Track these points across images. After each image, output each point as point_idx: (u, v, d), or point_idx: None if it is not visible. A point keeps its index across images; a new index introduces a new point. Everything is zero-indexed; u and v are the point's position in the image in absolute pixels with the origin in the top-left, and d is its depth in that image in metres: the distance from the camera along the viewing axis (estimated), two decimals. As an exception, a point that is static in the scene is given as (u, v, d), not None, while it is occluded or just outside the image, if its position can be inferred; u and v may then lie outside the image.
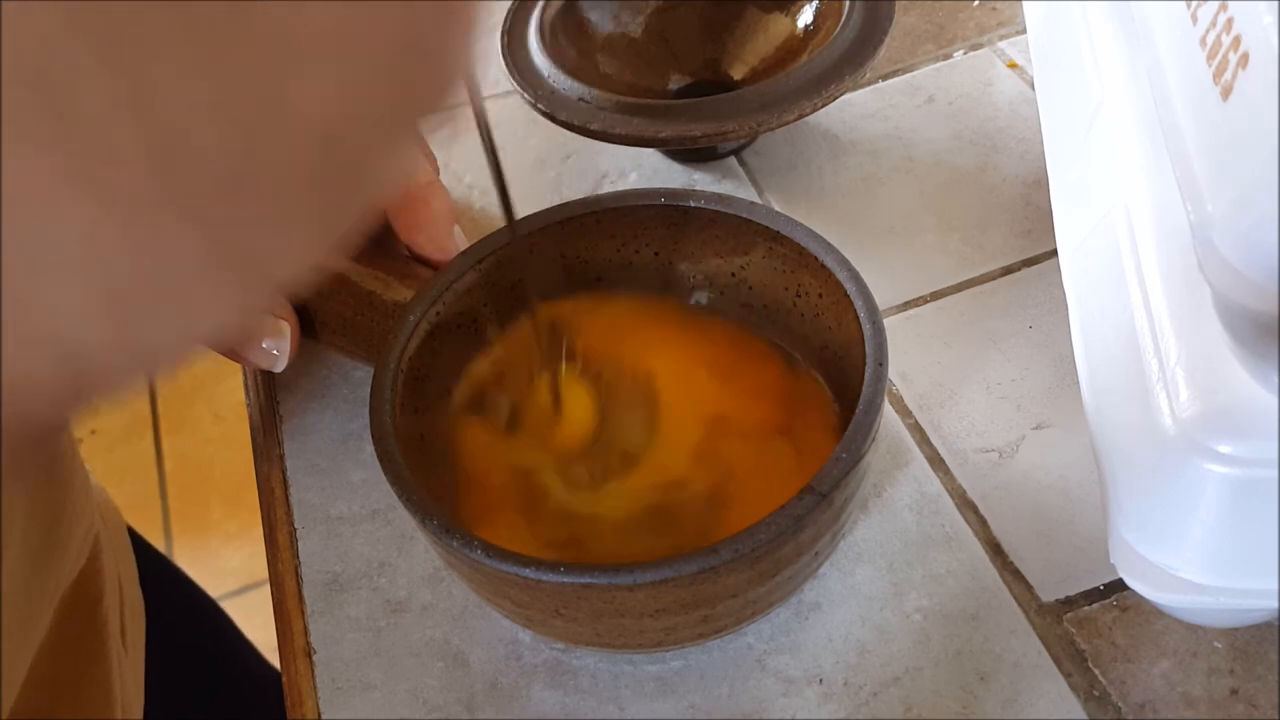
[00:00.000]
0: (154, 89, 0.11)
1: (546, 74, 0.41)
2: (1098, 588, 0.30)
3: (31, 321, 0.12)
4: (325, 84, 0.13)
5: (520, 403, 0.32)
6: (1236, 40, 0.20)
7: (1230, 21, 0.21)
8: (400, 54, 0.14)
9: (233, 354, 0.35)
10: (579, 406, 0.32)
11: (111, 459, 1.51)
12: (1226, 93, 0.20)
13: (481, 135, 0.25)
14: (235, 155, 0.12)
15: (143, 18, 0.11)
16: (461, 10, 0.14)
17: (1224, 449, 0.24)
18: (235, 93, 0.12)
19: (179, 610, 0.53)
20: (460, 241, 0.36)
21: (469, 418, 0.32)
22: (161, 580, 0.51)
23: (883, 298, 0.34)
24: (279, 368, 0.35)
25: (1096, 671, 0.29)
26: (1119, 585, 0.29)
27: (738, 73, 0.45)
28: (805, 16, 0.44)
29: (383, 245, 0.37)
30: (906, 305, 0.38)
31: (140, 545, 0.50)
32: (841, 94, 0.39)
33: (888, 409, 0.35)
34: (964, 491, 0.33)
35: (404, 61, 0.14)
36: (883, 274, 0.38)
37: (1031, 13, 0.40)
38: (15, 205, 0.11)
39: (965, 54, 0.47)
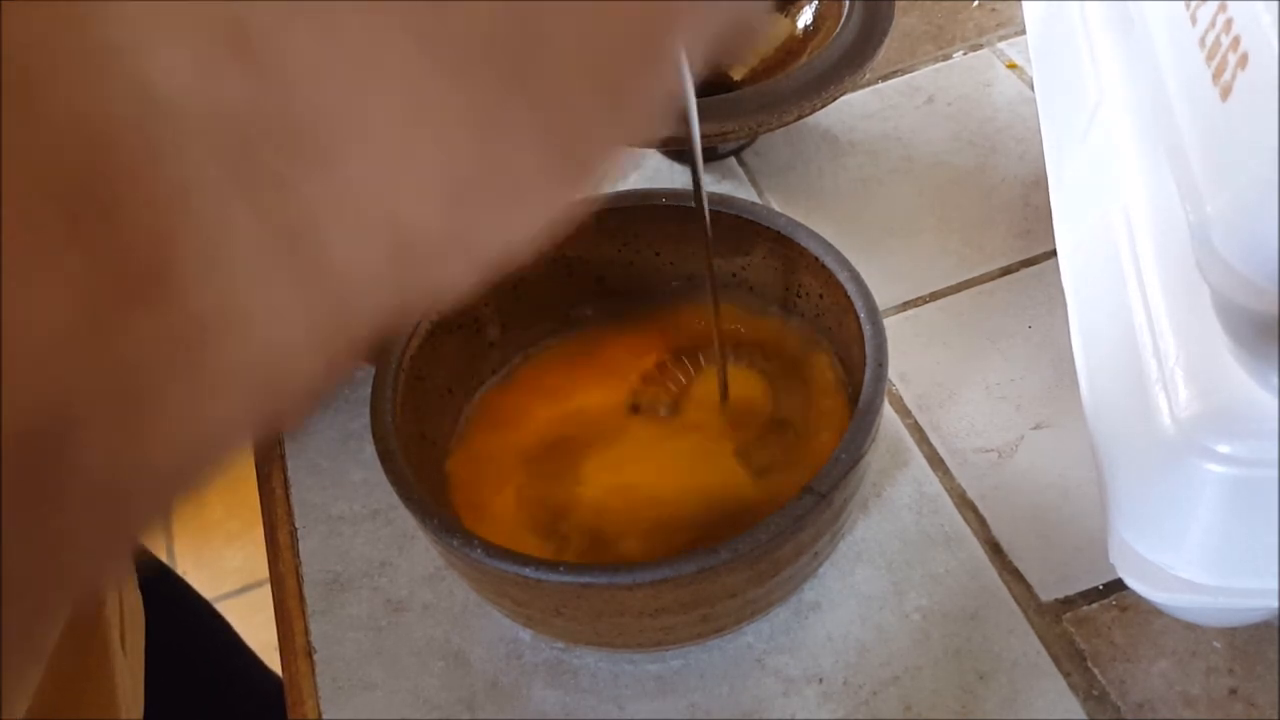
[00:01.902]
0: None
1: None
2: (1097, 587, 0.30)
3: (370, 204, 0.11)
4: None
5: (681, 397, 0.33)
6: (1235, 40, 0.20)
7: (1229, 22, 0.21)
8: None
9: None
10: (751, 388, 0.33)
11: (112, 459, 1.51)
12: (1225, 93, 0.20)
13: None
14: (573, 37, 0.12)
15: None
16: None
17: (1223, 449, 0.24)
18: None
19: (177, 614, 0.53)
20: None
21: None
22: (159, 585, 0.51)
23: (882, 298, 0.34)
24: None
25: (1096, 671, 0.29)
26: (1118, 585, 0.29)
27: (738, 73, 0.45)
28: (805, 17, 0.44)
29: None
30: (906, 305, 0.38)
31: (136, 549, 0.50)
32: (841, 94, 0.39)
33: (887, 409, 0.35)
34: (963, 491, 0.33)
35: None
36: (883, 274, 0.38)
37: (1031, 13, 0.40)
38: (369, 74, 0.10)
39: (964, 55, 0.47)
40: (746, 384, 0.33)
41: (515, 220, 0.13)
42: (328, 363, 0.12)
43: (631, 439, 0.32)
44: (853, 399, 0.28)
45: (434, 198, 0.12)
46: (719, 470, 0.31)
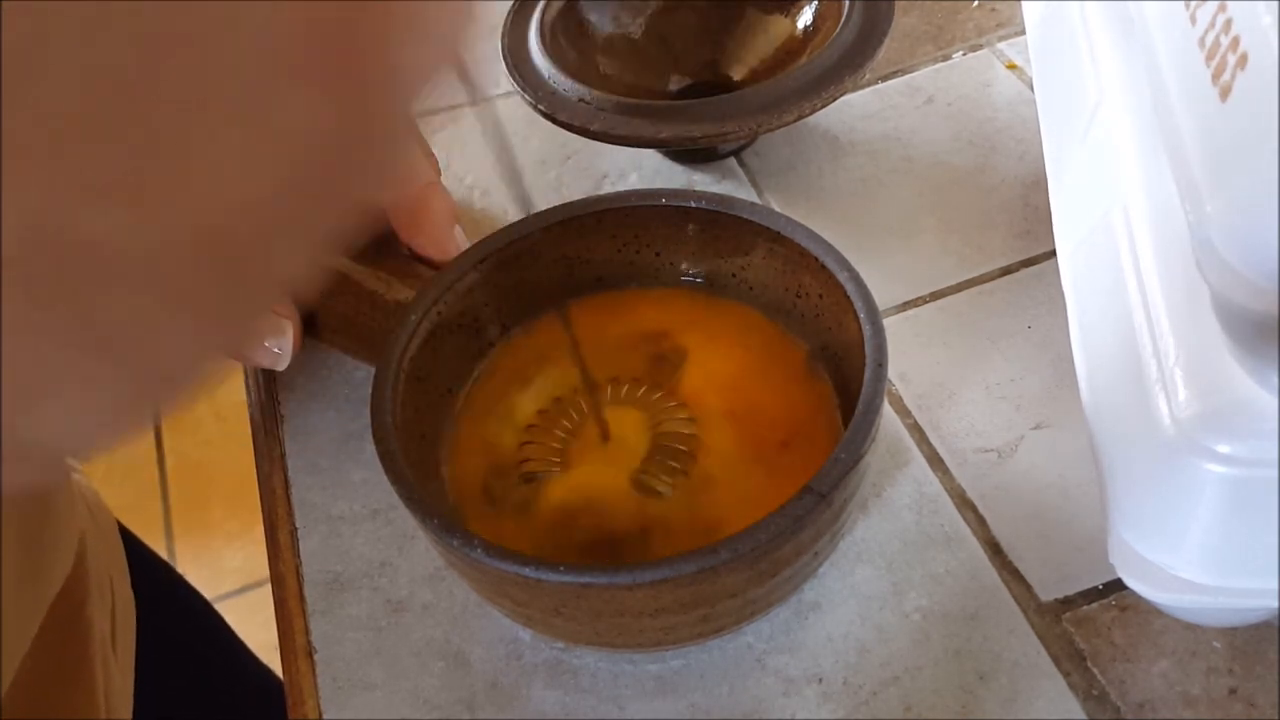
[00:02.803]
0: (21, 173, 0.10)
1: (547, 75, 0.41)
2: (1097, 587, 0.30)
3: None
4: (227, 180, 0.12)
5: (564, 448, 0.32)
6: (1235, 41, 0.20)
7: (1229, 22, 0.21)
8: (311, 160, 0.13)
9: (235, 353, 0.35)
10: (631, 427, 0.32)
11: (112, 458, 1.51)
12: (1225, 93, 0.20)
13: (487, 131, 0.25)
14: (117, 243, 0.11)
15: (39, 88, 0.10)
16: (377, 138, 0.13)
17: (1223, 449, 0.24)
18: (131, 178, 0.11)
19: (171, 609, 0.53)
20: (461, 242, 0.36)
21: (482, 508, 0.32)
22: (154, 579, 0.51)
23: (882, 298, 0.34)
24: (281, 366, 0.35)
25: (1095, 671, 0.29)
26: (1118, 585, 0.29)
27: (737, 74, 0.45)
28: (805, 17, 0.44)
29: (384, 245, 0.37)
30: (906, 305, 0.38)
31: (131, 544, 0.50)
32: (841, 95, 0.40)
33: (887, 409, 0.35)
34: (963, 491, 0.33)
35: (316, 168, 0.13)
36: (882, 274, 0.38)
37: (1030, 14, 0.40)
38: None
39: (964, 55, 0.47)
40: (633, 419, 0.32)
41: (71, 420, 0.13)
42: None
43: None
44: (851, 401, 0.28)
45: None
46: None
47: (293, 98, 0.12)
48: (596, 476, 0.31)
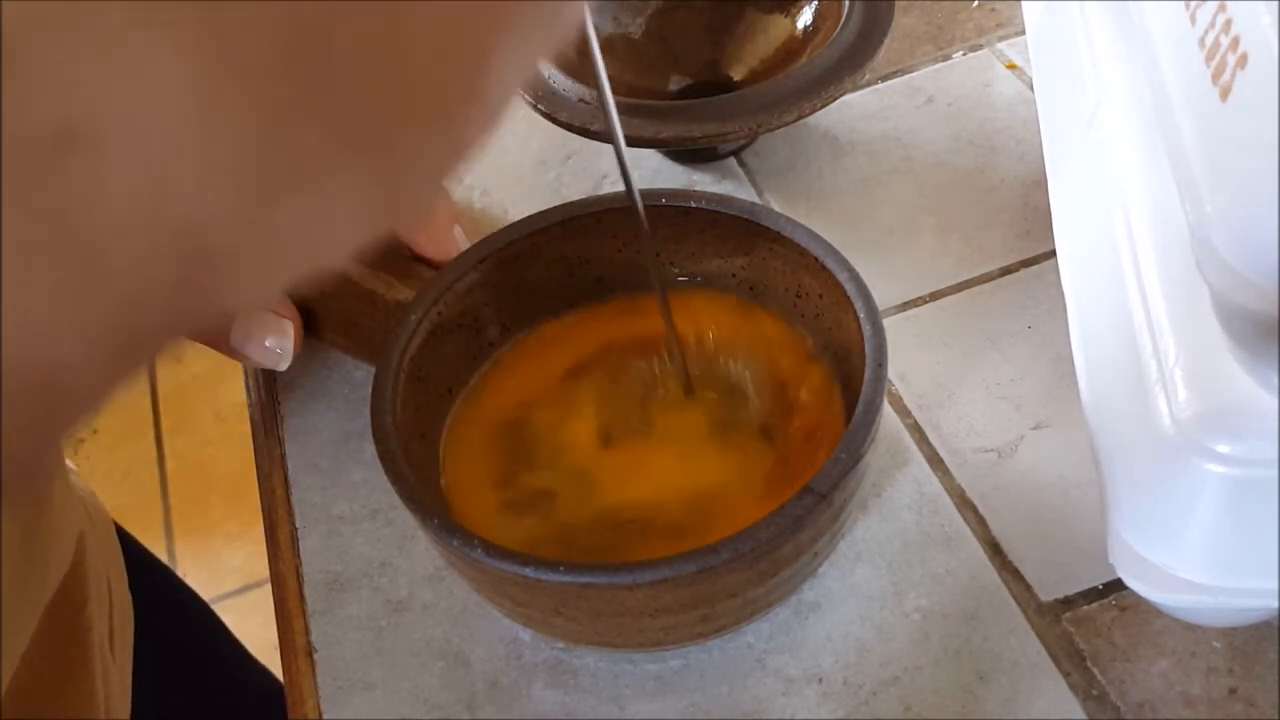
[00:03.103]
0: None
1: (547, 74, 0.41)
2: (1096, 587, 0.30)
3: (144, 196, 0.11)
4: None
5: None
6: (1235, 41, 0.20)
7: (1229, 22, 0.21)
8: None
9: (236, 353, 0.35)
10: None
11: (113, 459, 1.51)
12: (1225, 93, 0.20)
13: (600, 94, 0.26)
14: (375, 43, 0.11)
15: None
16: None
17: (1223, 449, 0.24)
18: None
19: (169, 610, 0.53)
20: (461, 241, 0.36)
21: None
22: (152, 580, 0.51)
23: (882, 298, 0.34)
24: (283, 366, 0.35)
25: (1095, 671, 0.29)
26: (1118, 585, 0.29)
27: (738, 74, 0.45)
28: (805, 17, 0.44)
29: (383, 245, 0.37)
30: (906, 305, 0.38)
31: (129, 545, 0.50)
32: (841, 95, 0.40)
33: (887, 409, 0.35)
34: (963, 491, 0.33)
35: None
36: (882, 274, 0.38)
37: (1030, 14, 0.40)
38: (133, 70, 0.10)
39: (964, 55, 0.47)
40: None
41: (311, 221, 0.13)
42: (112, 365, 0.12)
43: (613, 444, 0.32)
44: (851, 401, 0.28)
45: (218, 190, 0.11)
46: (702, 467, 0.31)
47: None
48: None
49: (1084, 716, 0.28)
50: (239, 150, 0.11)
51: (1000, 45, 0.47)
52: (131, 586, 0.47)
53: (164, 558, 1.36)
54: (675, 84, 0.45)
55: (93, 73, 0.10)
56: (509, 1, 0.13)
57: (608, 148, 0.43)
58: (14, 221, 0.10)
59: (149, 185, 0.11)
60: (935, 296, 0.38)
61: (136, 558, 0.50)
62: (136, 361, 0.12)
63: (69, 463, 0.44)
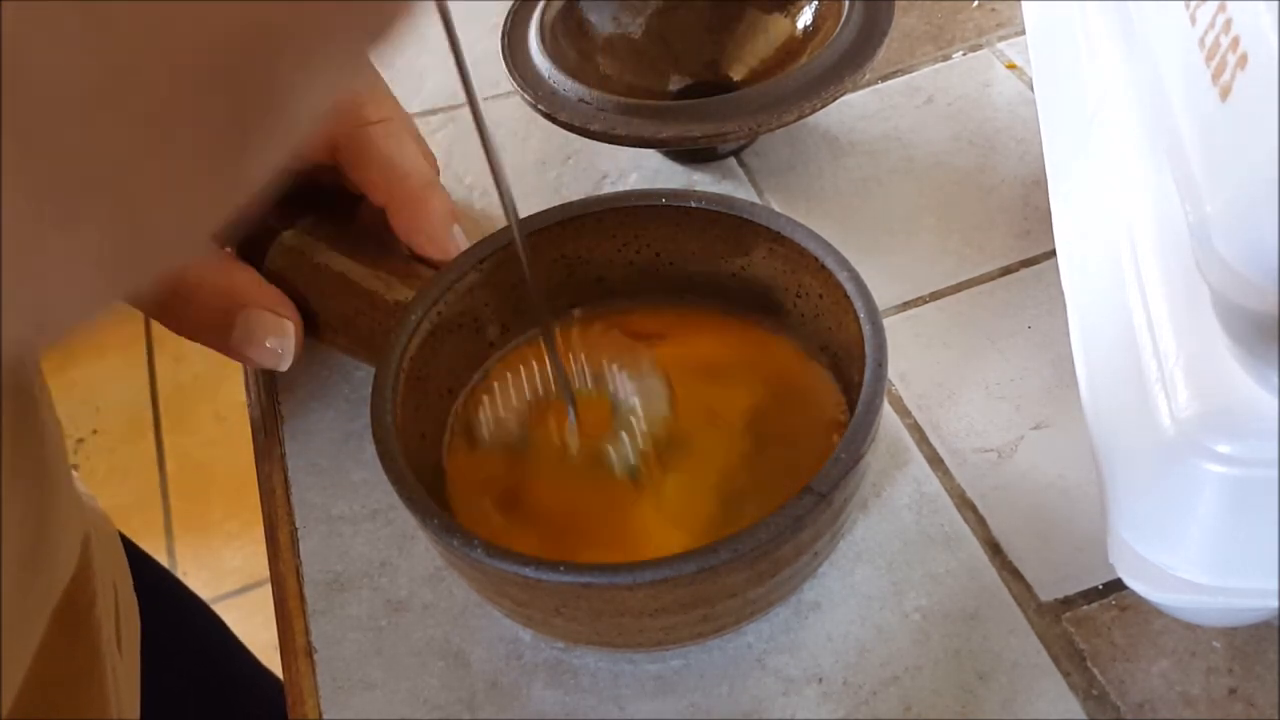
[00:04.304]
0: None
1: (547, 75, 0.41)
2: (1096, 587, 0.30)
3: None
4: None
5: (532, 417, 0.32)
6: (1235, 41, 0.20)
7: (1229, 22, 0.21)
8: None
9: (236, 353, 0.35)
10: (595, 405, 0.32)
11: (113, 459, 1.51)
12: (1225, 93, 0.20)
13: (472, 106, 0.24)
14: (92, 72, 0.09)
15: None
16: None
17: (1223, 449, 0.24)
18: None
19: (174, 616, 0.53)
20: (460, 241, 0.36)
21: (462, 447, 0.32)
22: (156, 586, 0.51)
23: (882, 298, 0.34)
24: (284, 366, 0.35)
25: (1095, 671, 0.29)
26: (1118, 585, 0.29)
27: (737, 73, 0.45)
28: (805, 17, 0.44)
29: (383, 245, 0.37)
30: (906, 305, 0.38)
31: (132, 550, 0.50)
32: (841, 95, 0.40)
33: (887, 409, 0.35)
34: (963, 491, 0.33)
35: None
36: (882, 274, 0.38)
37: (1030, 14, 0.40)
38: None
39: (964, 55, 0.47)
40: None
41: (34, 298, 0.11)
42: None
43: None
44: (851, 402, 0.28)
45: None
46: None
47: None
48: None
49: (1084, 716, 0.28)
50: None
51: (1000, 45, 0.47)
52: (135, 591, 0.47)
53: (164, 558, 1.37)
54: (675, 84, 0.45)
55: None
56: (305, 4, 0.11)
57: (608, 148, 0.43)
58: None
59: None
60: (935, 296, 0.38)
61: (139, 562, 0.50)
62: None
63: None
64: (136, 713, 0.44)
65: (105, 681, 0.41)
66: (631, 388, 0.32)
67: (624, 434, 0.31)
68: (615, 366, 0.33)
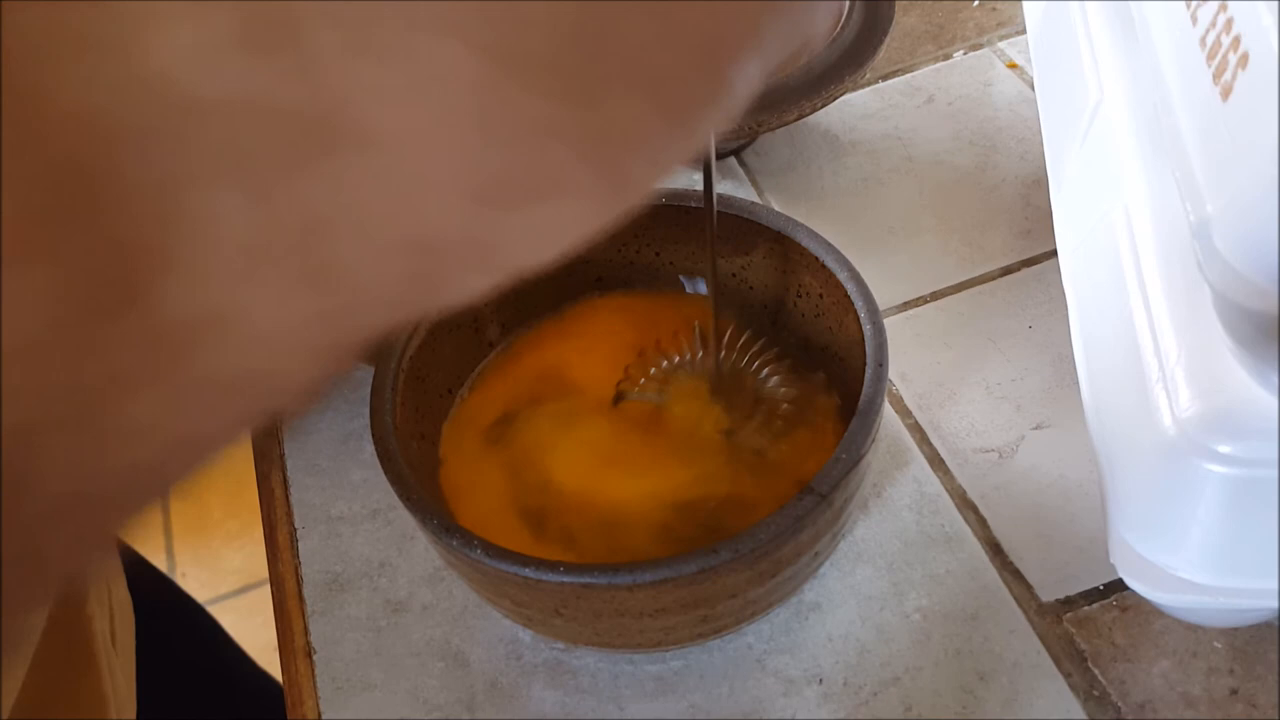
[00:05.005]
0: None
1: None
2: (1097, 588, 0.30)
3: (388, 205, 0.10)
4: None
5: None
6: (1236, 40, 0.20)
7: (1230, 22, 0.21)
8: None
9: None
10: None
11: (112, 459, 1.51)
12: (1226, 93, 0.20)
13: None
14: (636, 46, 0.11)
15: None
16: None
17: (1224, 449, 0.24)
18: None
19: (169, 616, 0.53)
20: None
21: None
22: (151, 587, 0.51)
23: (883, 298, 0.34)
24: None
25: (1096, 671, 0.29)
26: (1119, 585, 0.29)
27: (738, 73, 0.45)
28: (805, 17, 0.44)
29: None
30: (906, 305, 0.38)
31: (128, 553, 0.50)
32: (841, 94, 0.39)
33: (888, 409, 0.35)
34: (964, 491, 0.33)
35: None
36: (883, 274, 0.38)
37: (1031, 13, 0.40)
38: (401, 71, 0.10)
39: (965, 54, 0.47)
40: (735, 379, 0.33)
41: (545, 229, 0.12)
42: (324, 366, 0.12)
43: (616, 432, 0.32)
44: (851, 401, 0.28)
45: (458, 200, 0.11)
46: (703, 460, 0.31)
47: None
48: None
49: (1084, 717, 0.28)
50: (505, 166, 0.11)
51: (1001, 44, 0.47)
52: (131, 593, 0.47)
53: (164, 558, 1.37)
54: (675, 84, 0.45)
55: (375, 73, 0.10)
56: (760, 2, 0.13)
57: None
58: (252, 217, 0.10)
59: (402, 196, 0.11)
60: (936, 296, 0.38)
61: (135, 565, 0.50)
62: (348, 351, 0.12)
63: None
64: (133, 711, 0.44)
65: (102, 679, 0.41)
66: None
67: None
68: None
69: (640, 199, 0.13)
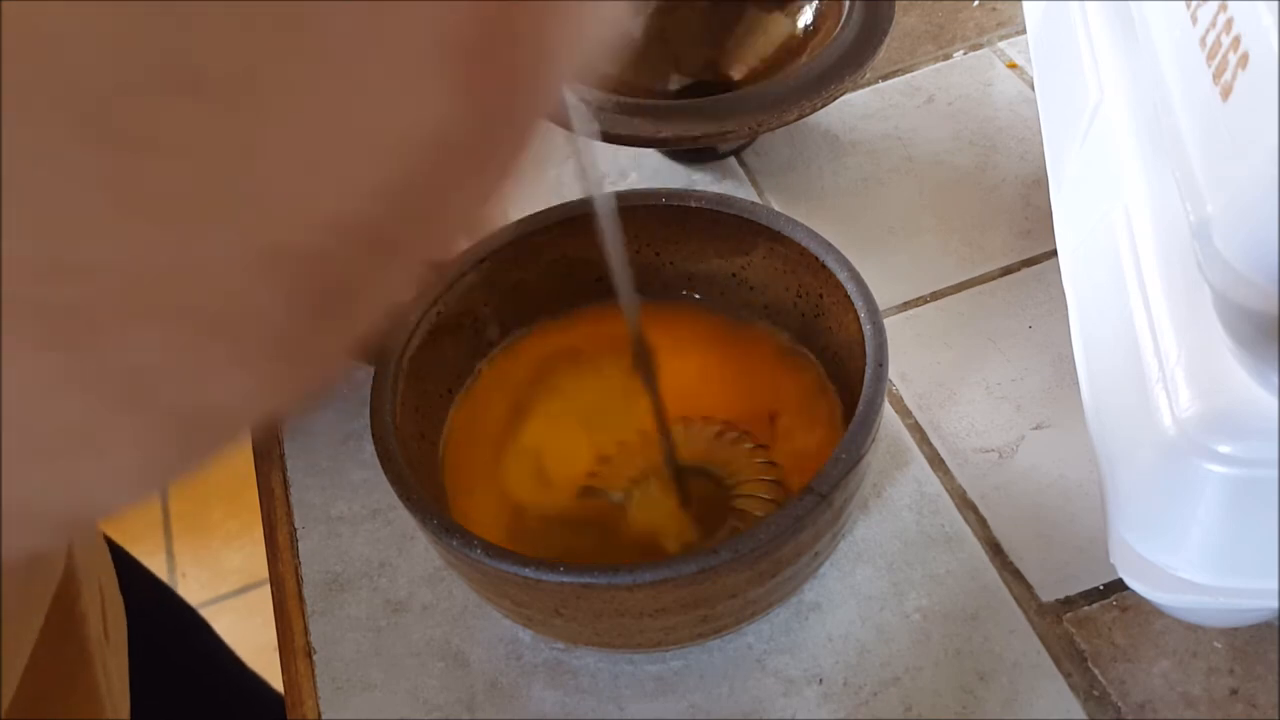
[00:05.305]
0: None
1: (547, 74, 0.41)
2: (1097, 588, 0.30)
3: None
4: (321, 186, 0.10)
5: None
6: (1236, 40, 0.20)
7: (1230, 22, 0.21)
8: (428, 164, 0.11)
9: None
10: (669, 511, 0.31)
11: (112, 459, 1.51)
12: (1226, 93, 0.20)
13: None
14: (139, 269, 0.10)
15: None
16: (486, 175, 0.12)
17: (1224, 449, 0.24)
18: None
19: (163, 619, 0.53)
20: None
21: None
22: (144, 589, 0.51)
23: (883, 298, 0.34)
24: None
25: (1096, 671, 0.29)
26: (1119, 585, 0.29)
27: (738, 73, 0.45)
28: (805, 17, 0.44)
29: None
30: (906, 305, 0.38)
31: (121, 555, 0.50)
32: (841, 94, 0.39)
33: (888, 409, 0.35)
34: (964, 491, 0.33)
35: (432, 174, 0.11)
36: (883, 274, 0.38)
37: (1031, 13, 0.40)
38: None
39: (965, 54, 0.47)
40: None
41: (86, 476, 0.11)
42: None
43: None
44: (851, 401, 0.28)
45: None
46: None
47: (432, 86, 0.10)
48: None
49: (1084, 717, 0.28)
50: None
51: (1001, 44, 0.47)
52: (125, 595, 0.47)
53: (163, 558, 1.37)
54: (675, 84, 0.45)
55: None
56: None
57: (608, 147, 0.43)
58: None
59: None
60: (936, 296, 0.38)
61: (129, 567, 0.50)
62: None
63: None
64: (127, 710, 0.44)
65: (96, 677, 0.41)
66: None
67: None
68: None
69: (241, 427, 0.12)
